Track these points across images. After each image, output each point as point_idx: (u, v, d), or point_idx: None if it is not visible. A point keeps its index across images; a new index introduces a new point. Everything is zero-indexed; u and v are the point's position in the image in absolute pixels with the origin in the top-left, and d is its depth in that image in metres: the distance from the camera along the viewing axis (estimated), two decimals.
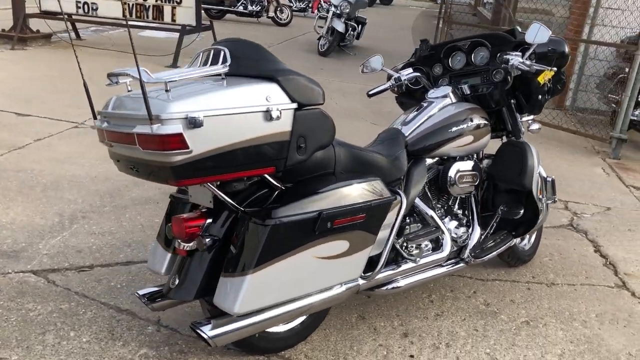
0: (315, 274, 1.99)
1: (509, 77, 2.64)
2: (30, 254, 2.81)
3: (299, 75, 1.93)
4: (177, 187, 1.94)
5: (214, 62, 1.95)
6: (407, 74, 2.86)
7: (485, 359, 2.36)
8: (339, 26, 9.72)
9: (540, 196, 2.72)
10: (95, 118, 2.01)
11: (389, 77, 2.95)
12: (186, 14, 8.01)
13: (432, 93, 2.75)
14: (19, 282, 2.57)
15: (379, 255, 2.23)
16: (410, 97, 2.97)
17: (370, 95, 2.93)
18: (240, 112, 1.78)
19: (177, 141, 1.67)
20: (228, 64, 1.88)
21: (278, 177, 1.98)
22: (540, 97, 2.68)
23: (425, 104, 2.68)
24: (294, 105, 1.89)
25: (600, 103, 6.96)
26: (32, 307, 2.40)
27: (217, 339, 1.88)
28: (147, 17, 8.21)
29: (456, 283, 2.93)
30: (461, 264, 2.63)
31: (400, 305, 2.68)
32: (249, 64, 1.92)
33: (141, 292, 2.19)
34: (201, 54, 2.08)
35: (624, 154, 5.62)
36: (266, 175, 1.95)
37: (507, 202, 2.77)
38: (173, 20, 8.13)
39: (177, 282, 2.00)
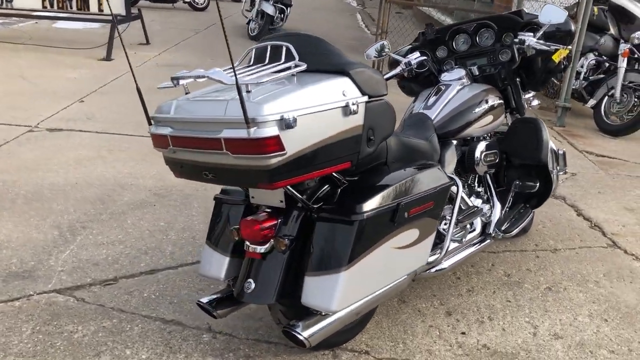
0: (394, 264, 2.01)
1: (516, 56, 2.75)
2: (45, 272, 2.62)
3: (365, 67, 1.93)
4: (271, 189, 1.86)
5: (275, 58, 1.89)
6: (415, 58, 2.90)
7: (527, 327, 2.49)
8: (269, 9, 9.59)
9: (552, 169, 2.88)
10: (150, 124, 1.91)
11: (394, 62, 2.97)
12: (114, 4, 7.58)
13: (446, 76, 2.81)
14: (48, 304, 2.39)
15: (442, 239, 2.29)
16: (415, 80, 3.02)
17: None
18: (324, 109, 1.75)
19: (274, 143, 1.62)
20: (297, 60, 1.83)
21: (341, 171, 1.97)
22: (555, 75, 2.82)
23: (443, 87, 2.74)
24: (365, 98, 1.88)
25: None
26: (73, 328, 2.25)
27: (311, 339, 1.86)
28: (71, 7, 7.71)
29: (472, 258, 3.05)
30: (488, 240, 2.74)
31: (432, 285, 2.76)
32: (316, 59, 1.88)
33: (204, 300, 2.11)
34: (253, 50, 2.01)
35: (567, 122, 6.00)
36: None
37: (521, 177, 2.90)
38: (100, 10, 7.70)
39: (253, 286, 1.95)
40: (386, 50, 2.96)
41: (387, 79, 2.89)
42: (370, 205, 1.87)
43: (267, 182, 1.69)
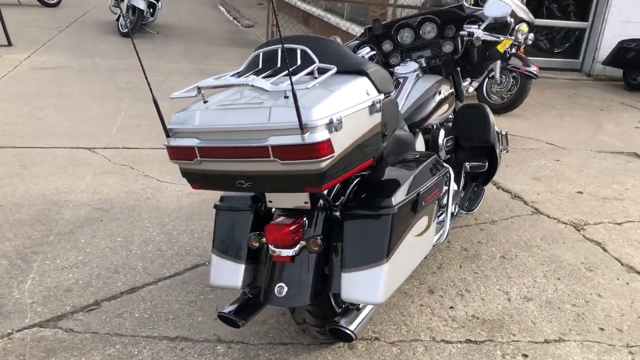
0: (415, 251, 2.12)
1: (459, 47, 2.98)
2: (14, 307, 2.38)
3: (377, 66, 2.00)
4: (318, 191, 1.85)
5: (291, 62, 1.90)
6: (367, 53, 3.02)
7: (500, 294, 2.74)
8: (140, 4, 9.16)
9: (498, 148, 3.16)
10: (168, 136, 1.83)
11: None
12: None
13: (400, 69, 2.96)
14: (36, 340, 2.19)
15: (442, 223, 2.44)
16: None
17: None
18: (358, 109, 1.81)
19: (327, 147, 1.65)
20: (318, 62, 1.86)
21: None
22: (490, 63, 3.08)
23: (401, 80, 2.89)
24: (382, 96, 1.96)
25: None
26: None
27: (356, 331, 1.91)
28: None
29: None
30: (454, 218, 2.95)
31: None
32: (332, 60, 1.92)
33: (226, 311, 2.06)
34: (260, 54, 2.00)
35: None
36: None
37: (470, 158, 3.15)
38: None
39: (285, 290, 1.95)
40: None
41: None
42: (399, 198, 1.96)
43: (316, 186, 1.71)
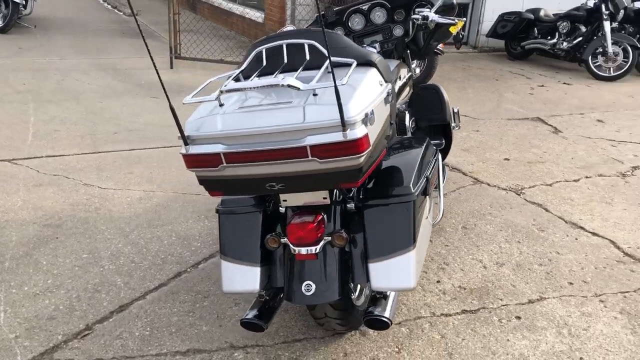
0: (426, 233, 2.18)
1: (410, 30, 3.07)
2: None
3: (379, 56, 2.03)
4: (353, 187, 1.82)
5: (297, 58, 1.88)
6: None
7: (476, 263, 2.91)
8: None
9: (452, 125, 3.30)
10: (186, 144, 1.74)
11: None
12: None
13: None
14: None
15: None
16: None
17: None
18: (379, 101, 1.82)
19: (366, 142, 1.66)
20: (329, 56, 1.84)
21: None
22: (435, 45, 3.20)
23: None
24: (390, 86, 1.99)
25: None
26: None
27: (391, 317, 1.95)
28: None
29: None
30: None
31: None
32: (342, 53, 1.91)
33: (250, 316, 2.01)
34: (264, 51, 1.95)
35: None
36: None
37: (428, 136, 3.27)
38: None
39: (314, 287, 1.94)
40: None
41: None
42: (415, 183, 2.00)
43: (354, 181, 1.72)
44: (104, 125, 4.76)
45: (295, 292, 1.97)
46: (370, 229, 1.97)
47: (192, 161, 1.75)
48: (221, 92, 1.71)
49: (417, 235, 1.97)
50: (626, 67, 7.41)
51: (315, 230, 1.92)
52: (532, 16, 8.33)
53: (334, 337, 2.30)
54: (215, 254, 2.86)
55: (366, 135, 1.65)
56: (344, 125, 1.59)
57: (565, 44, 7.97)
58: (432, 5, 3.06)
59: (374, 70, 1.92)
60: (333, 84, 1.64)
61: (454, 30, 3.07)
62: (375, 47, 3.07)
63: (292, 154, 1.66)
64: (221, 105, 1.78)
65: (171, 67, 6.85)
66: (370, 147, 1.70)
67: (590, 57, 7.58)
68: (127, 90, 5.88)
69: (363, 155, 1.66)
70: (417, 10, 3.04)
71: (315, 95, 1.69)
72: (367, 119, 1.67)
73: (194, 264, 2.77)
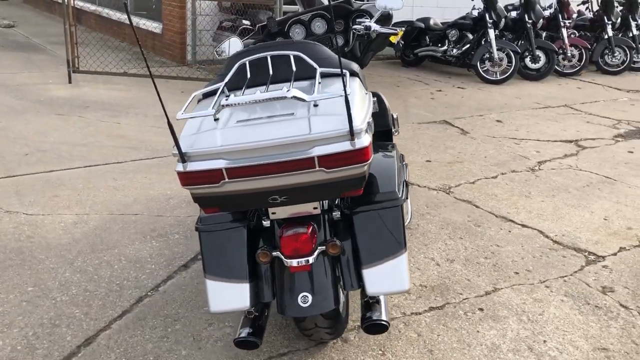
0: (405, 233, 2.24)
1: (350, 40, 3.15)
2: None
3: (357, 65, 2.07)
4: (357, 194, 1.81)
5: (283, 69, 1.88)
6: None
7: (429, 262, 3.03)
8: None
9: (393, 130, 3.41)
10: (184, 161, 1.68)
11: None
12: None
13: None
14: None
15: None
16: None
17: None
18: (372, 110, 1.86)
19: (370, 150, 1.70)
20: (318, 67, 1.86)
21: None
22: (374, 53, 3.30)
23: None
24: (370, 94, 2.04)
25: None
26: None
27: (388, 319, 1.99)
28: None
29: None
30: None
31: None
32: (327, 64, 1.94)
33: (243, 335, 1.96)
34: (247, 63, 1.92)
35: None
36: None
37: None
38: None
39: (310, 298, 1.94)
40: (240, 46, 2.97)
41: None
42: (398, 187, 2.06)
43: (357, 189, 1.74)
44: (10, 147, 4.39)
45: (291, 304, 1.96)
46: (362, 236, 2.00)
47: (190, 178, 1.69)
48: (222, 106, 1.66)
49: (406, 238, 2.03)
50: (510, 71, 8.05)
51: (309, 240, 1.92)
52: (422, 25, 8.80)
53: (318, 346, 2.30)
54: (174, 275, 2.75)
55: (370, 144, 1.69)
56: (352, 134, 1.62)
57: (455, 50, 8.50)
58: (371, 15, 3.16)
59: (358, 80, 1.96)
60: (338, 95, 1.67)
61: (394, 39, 3.19)
62: None
63: (299, 166, 1.65)
64: (216, 119, 1.73)
65: (69, 82, 6.44)
66: (372, 155, 1.74)
67: (478, 63, 8.15)
68: (27, 107, 5.46)
69: (368, 163, 1.70)
70: (358, 20, 3.12)
71: (316, 106, 1.70)
72: (369, 128, 1.71)
73: (153, 287, 2.64)
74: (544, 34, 8.89)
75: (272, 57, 1.92)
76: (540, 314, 2.61)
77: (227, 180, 1.68)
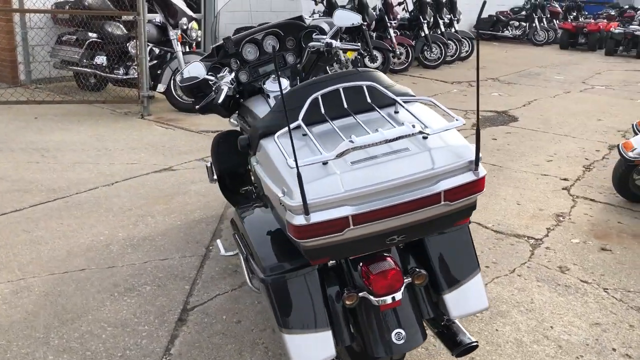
0: None
1: (304, 57, 3.07)
2: None
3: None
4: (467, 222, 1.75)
5: (357, 99, 1.81)
6: (231, 75, 2.80)
7: None
8: None
9: None
10: (307, 213, 1.52)
11: (205, 84, 2.77)
12: None
13: (272, 86, 2.85)
14: None
15: None
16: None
17: (202, 109, 2.77)
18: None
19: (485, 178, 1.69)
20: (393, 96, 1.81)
21: None
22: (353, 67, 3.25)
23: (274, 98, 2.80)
24: None
25: (58, 71, 6.97)
26: None
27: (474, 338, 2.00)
28: None
29: None
30: None
31: None
32: (394, 91, 1.88)
33: None
34: (319, 97, 1.79)
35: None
36: None
37: None
38: None
39: (404, 334, 1.87)
40: (202, 69, 2.71)
41: (222, 104, 2.72)
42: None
43: (468, 217, 1.73)
44: None
45: (385, 343, 1.88)
46: (437, 261, 1.98)
47: (313, 230, 1.53)
48: (348, 150, 1.52)
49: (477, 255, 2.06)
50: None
51: (398, 275, 1.85)
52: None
53: None
54: (177, 333, 2.44)
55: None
56: (477, 164, 1.60)
57: None
58: (322, 31, 3.11)
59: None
60: (458, 125, 1.64)
61: (350, 55, 3.18)
62: (271, 77, 2.97)
63: (426, 203, 1.60)
64: (325, 163, 1.58)
65: None
66: None
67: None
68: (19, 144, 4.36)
69: (482, 191, 1.70)
70: (314, 37, 3.05)
71: (425, 138, 1.65)
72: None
73: (164, 352, 2.32)
74: (374, 35, 9.49)
75: (349, 88, 1.80)
76: (531, 302, 2.83)
77: (351, 227, 1.55)
